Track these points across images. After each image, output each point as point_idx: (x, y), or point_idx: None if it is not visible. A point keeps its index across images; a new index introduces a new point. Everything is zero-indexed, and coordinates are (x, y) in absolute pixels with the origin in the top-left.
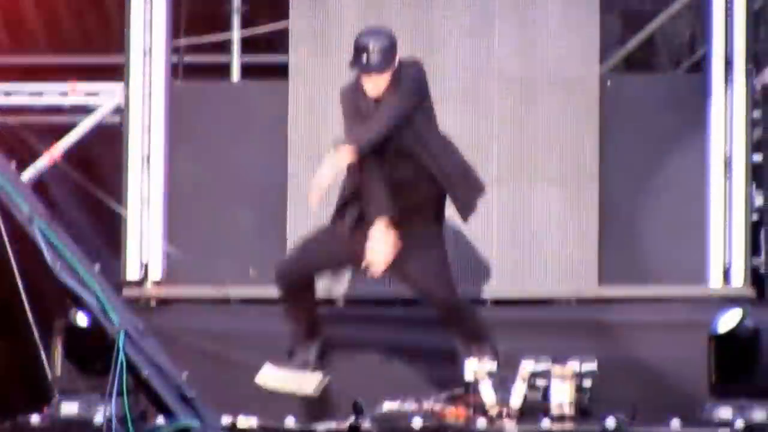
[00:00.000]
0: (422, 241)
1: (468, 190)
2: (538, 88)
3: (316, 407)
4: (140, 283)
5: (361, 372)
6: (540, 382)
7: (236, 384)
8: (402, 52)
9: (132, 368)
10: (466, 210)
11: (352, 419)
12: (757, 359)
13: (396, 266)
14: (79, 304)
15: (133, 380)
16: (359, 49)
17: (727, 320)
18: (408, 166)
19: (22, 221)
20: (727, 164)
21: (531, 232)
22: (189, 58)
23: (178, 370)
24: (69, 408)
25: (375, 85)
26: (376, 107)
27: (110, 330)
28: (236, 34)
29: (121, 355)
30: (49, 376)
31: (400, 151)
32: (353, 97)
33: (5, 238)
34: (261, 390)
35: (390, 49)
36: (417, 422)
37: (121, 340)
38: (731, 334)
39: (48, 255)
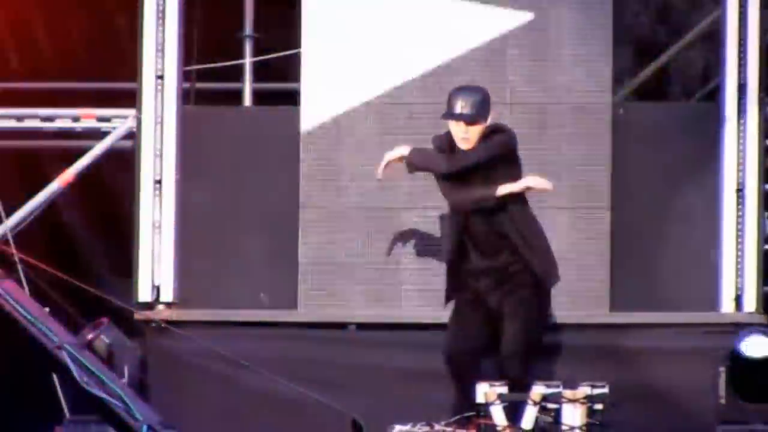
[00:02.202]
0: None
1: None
2: (550, 115)
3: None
4: (152, 305)
5: (372, 395)
6: (551, 406)
7: (245, 406)
8: (414, 81)
9: None
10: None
11: None
12: None
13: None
14: (105, 410)
15: None
16: (452, 100)
17: (758, 345)
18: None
19: (52, 348)
20: (740, 192)
21: None
22: (201, 84)
23: None
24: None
25: (465, 136)
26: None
27: (135, 426)
28: (248, 61)
29: None
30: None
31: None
32: (439, 144)
33: None
34: (270, 412)
35: (482, 102)
36: None
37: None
38: (757, 359)
39: (76, 373)
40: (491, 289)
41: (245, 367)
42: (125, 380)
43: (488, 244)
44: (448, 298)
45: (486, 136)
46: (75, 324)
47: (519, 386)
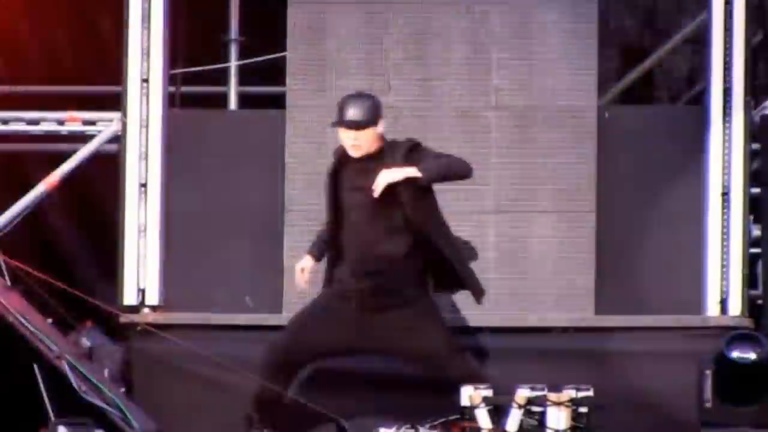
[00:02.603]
0: (418, 317)
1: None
2: (535, 119)
3: None
4: (137, 308)
5: (355, 399)
6: (536, 409)
7: (231, 410)
8: (399, 84)
9: None
10: (479, 294)
11: None
12: (762, 387)
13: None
14: (102, 417)
15: None
16: (341, 108)
17: (745, 349)
18: (400, 241)
19: (52, 358)
20: (725, 196)
21: (528, 262)
22: (186, 88)
23: None
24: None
25: (355, 142)
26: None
27: None
28: (233, 64)
29: None
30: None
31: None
32: (337, 157)
33: None
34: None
35: (371, 108)
36: None
37: None
38: (745, 362)
39: (74, 381)
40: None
41: (230, 370)
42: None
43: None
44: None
45: (387, 148)
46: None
47: (477, 380)
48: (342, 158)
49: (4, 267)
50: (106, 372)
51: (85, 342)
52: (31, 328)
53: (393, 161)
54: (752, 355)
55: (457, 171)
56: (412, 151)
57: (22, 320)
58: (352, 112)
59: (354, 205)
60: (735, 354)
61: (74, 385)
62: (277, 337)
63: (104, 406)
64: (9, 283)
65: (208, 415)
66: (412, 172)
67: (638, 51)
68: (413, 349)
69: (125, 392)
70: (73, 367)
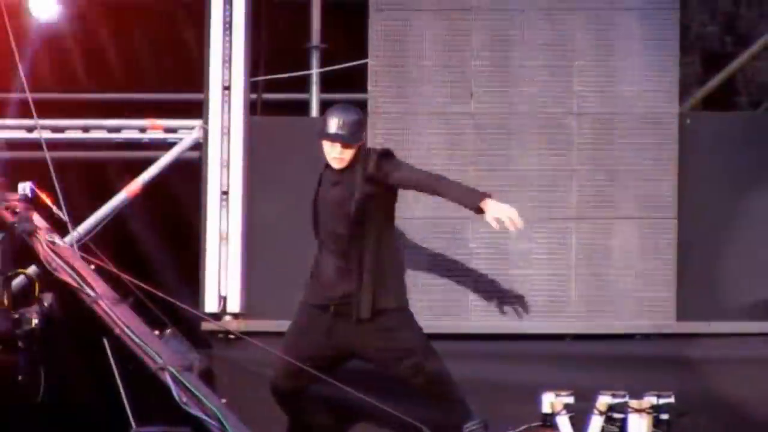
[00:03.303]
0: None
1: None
2: (616, 125)
3: None
4: (219, 316)
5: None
6: (617, 416)
7: (312, 416)
8: (481, 89)
9: None
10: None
11: None
12: None
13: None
14: (201, 427)
15: None
16: (327, 120)
17: None
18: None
19: (156, 370)
20: None
21: (610, 268)
22: (268, 95)
23: None
24: None
25: (341, 156)
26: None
27: None
28: (315, 72)
29: None
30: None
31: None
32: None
33: None
34: (337, 422)
35: (358, 123)
36: None
37: None
38: None
39: (175, 392)
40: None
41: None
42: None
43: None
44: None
45: (364, 158)
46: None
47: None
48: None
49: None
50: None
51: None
52: (137, 341)
53: (363, 170)
54: None
55: None
56: (383, 159)
57: (129, 332)
58: (341, 127)
59: (327, 212)
60: None
61: (175, 396)
62: (276, 366)
63: (204, 417)
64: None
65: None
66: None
67: (720, 57)
68: (389, 349)
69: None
70: (175, 379)
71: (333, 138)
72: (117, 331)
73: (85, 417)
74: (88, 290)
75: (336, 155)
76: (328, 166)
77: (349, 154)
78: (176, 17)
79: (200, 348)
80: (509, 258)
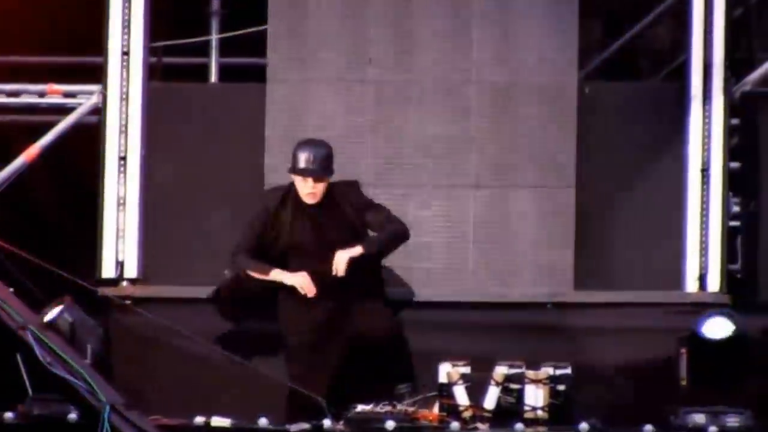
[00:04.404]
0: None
1: None
2: (516, 93)
3: (287, 408)
4: (116, 281)
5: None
6: (514, 386)
7: (210, 383)
8: (381, 55)
9: None
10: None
11: (323, 420)
12: (738, 365)
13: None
14: (68, 389)
15: None
16: (298, 155)
17: (718, 327)
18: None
19: (16, 328)
20: (705, 171)
21: (508, 237)
22: (167, 60)
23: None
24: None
25: (313, 191)
26: (312, 215)
27: (98, 407)
28: (215, 37)
29: (107, 425)
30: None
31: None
32: (273, 203)
33: None
34: (234, 390)
35: (328, 157)
36: (390, 424)
37: (106, 413)
38: (718, 339)
39: (39, 352)
40: None
41: (201, 343)
42: (88, 360)
43: None
44: None
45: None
46: (38, 302)
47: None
48: (283, 201)
49: None
50: (89, 348)
51: (67, 317)
52: None
53: (342, 208)
54: (726, 333)
55: (398, 243)
56: (350, 192)
57: None
58: (312, 162)
59: (305, 244)
60: (708, 332)
61: (39, 356)
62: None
63: (69, 377)
64: None
65: (188, 389)
66: (357, 251)
67: (620, 22)
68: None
69: (104, 367)
70: (38, 339)
71: (306, 173)
72: None
73: None
74: None
75: (309, 190)
76: (281, 209)
77: (321, 188)
78: None
79: (97, 314)
80: (409, 226)
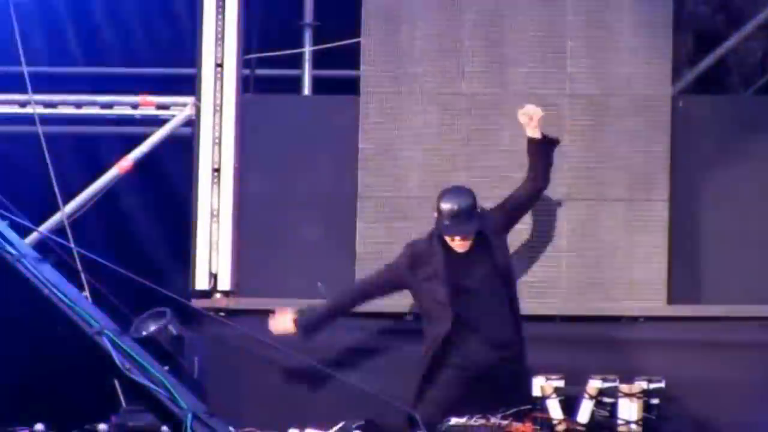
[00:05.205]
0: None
1: None
2: (609, 107)
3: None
4: (209, 293)
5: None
6: (607, 400)
7: (303, 396)
8: (474, 68)
9: None
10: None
11: None
12: None
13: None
14: (150, 398)
15: None
16: (446, 211)
17: None
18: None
19: (92, 334)
20: None
21: (600, 250)
22: (260, 72)
23: None
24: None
25: (464, 242)
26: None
27: (180, 415)
28: (308, 50)
29: None
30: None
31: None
32: (422, 249)
33: None
34: (329, 401)
35: (475, 206)
36: None
37: (189, 421)
38: None
39: (117, 359)
40: None
41: (291, 355)
42: (195, 373)
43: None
44: None
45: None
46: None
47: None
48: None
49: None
50: (196, 362)
51: (172, 330)
52: (69, 302)
53: (487, 235)
54: None
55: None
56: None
57: (58, 294)
58: (467, 222)
59: (464, 290)
60: None
61: (118, 363)
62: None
63: (150, 384)
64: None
65: (280, 401)
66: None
67: (712, 37)
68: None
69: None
70: (115, 344)
71: (460, 234)
72: (45, 292)
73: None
74: (10, 249)
75: (461, 242)
76: (419, 258)
77: (470, 239)
78: None
79: (189, 326)
80: None
